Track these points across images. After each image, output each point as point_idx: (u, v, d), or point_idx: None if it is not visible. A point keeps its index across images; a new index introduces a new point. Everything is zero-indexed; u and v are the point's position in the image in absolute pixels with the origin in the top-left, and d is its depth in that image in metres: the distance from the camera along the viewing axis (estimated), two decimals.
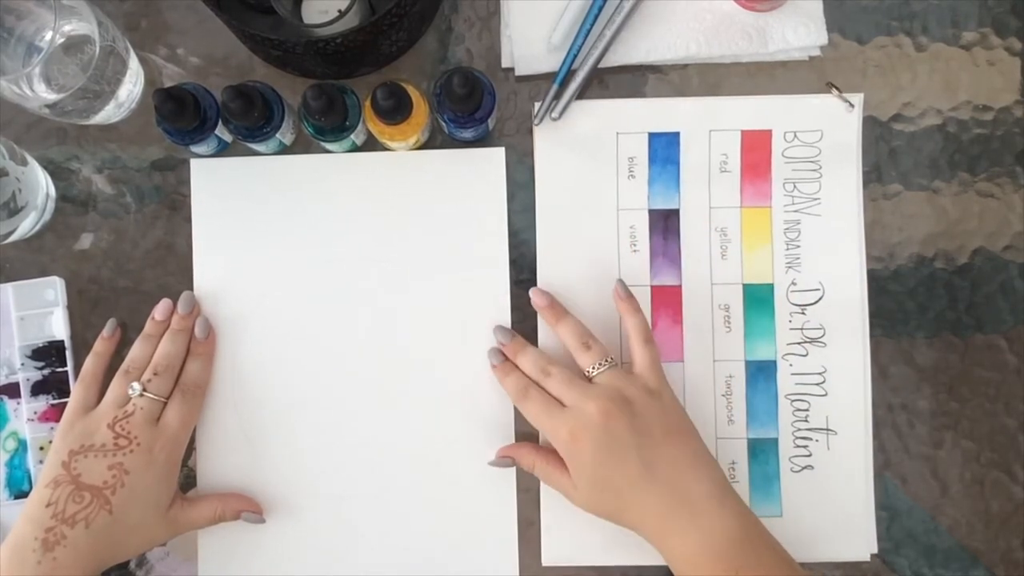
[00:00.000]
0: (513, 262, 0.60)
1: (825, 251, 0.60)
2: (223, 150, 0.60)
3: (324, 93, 0.52)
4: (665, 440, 0.52)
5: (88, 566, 0.52)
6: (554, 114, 0.59)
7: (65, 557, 0.51)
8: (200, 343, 0.58)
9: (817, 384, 0.59)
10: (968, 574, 0.58)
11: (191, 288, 0.59)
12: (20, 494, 0.59)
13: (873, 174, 0.60)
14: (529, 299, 0.58)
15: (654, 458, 0.52)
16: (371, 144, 0.60)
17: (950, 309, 0.60)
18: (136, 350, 0.57)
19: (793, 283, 0.60)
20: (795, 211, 0.60)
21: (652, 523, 0.52)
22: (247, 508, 0.57)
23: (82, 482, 0.52)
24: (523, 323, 0.59)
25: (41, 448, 0.59)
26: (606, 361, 0.55)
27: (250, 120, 0.54)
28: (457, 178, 0.60)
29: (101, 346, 0.58)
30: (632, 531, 0.53)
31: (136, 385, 0.55)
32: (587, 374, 0.55)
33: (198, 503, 0.56)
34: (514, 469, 0.58)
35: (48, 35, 0.54)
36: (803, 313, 0.59)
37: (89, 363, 0.57)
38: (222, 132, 0.57)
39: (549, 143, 0.60)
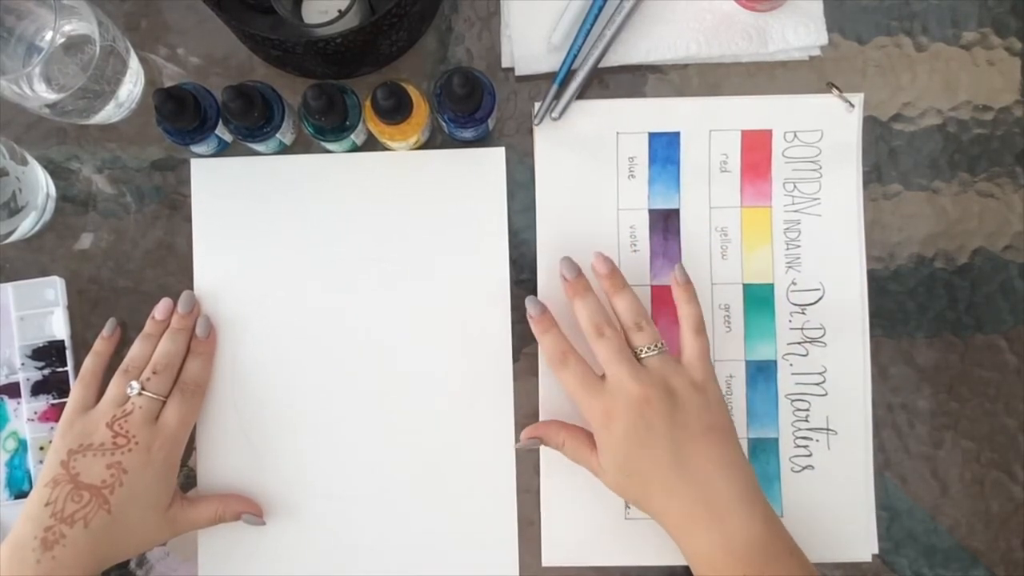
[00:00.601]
0: (513, 262, 0.60)
1: (825, 251, 0.60)
2: (223, 150, 0.60)
3: (324, 93, 0.52)
4: (702, 436, 0.51)
5: (88, 565, 0.51)
6: (554, 114, 0.59)
7: (64, 556, 0.51)
8: (201, 342, 0.58)
9: (817, 384, 0.59)
10: (968, 574, 0.58)
11: (191, 288, 0.59)
12: (20, 494, 0.59)
13: (873, 174, 0.60)
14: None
15: (688, 453, 0.51)
16: (371, 144, 0.60)
17: (950, 309, 0.60)
18: (136, 349, 0.57)
19: (793, 283, 0.60)
20: (795, 211, 0.60)
21: (676, 517, 0.51)
22: (247, 510, 0.57)
23: (81, 481, 0.52)
24: (523, 323, 0.59)
25: (41, 448, 0.59)
26: (657, 346, 0.53)
27: (250, 120, 0.54)
28: (457, 178, 0.60)
29: (101, 345, 0.58)
30: (655, 521, 0.52)
31: (135, 384, 0.55)
32: (637, 355, 0.53)
33: (198, 503, 0.56)
34: (514, 470, 0.58)
35: (48, 35, 0.54)
36: (803, 313, 0.59)
37: (89, 362, 0.57)
38: (222, 132, 0.57)
39: (549, 143, 0.60)
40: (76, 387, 0.56)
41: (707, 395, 0.52)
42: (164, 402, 0.55)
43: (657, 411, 0.51)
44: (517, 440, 0.58)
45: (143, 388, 0.55)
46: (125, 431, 0.54)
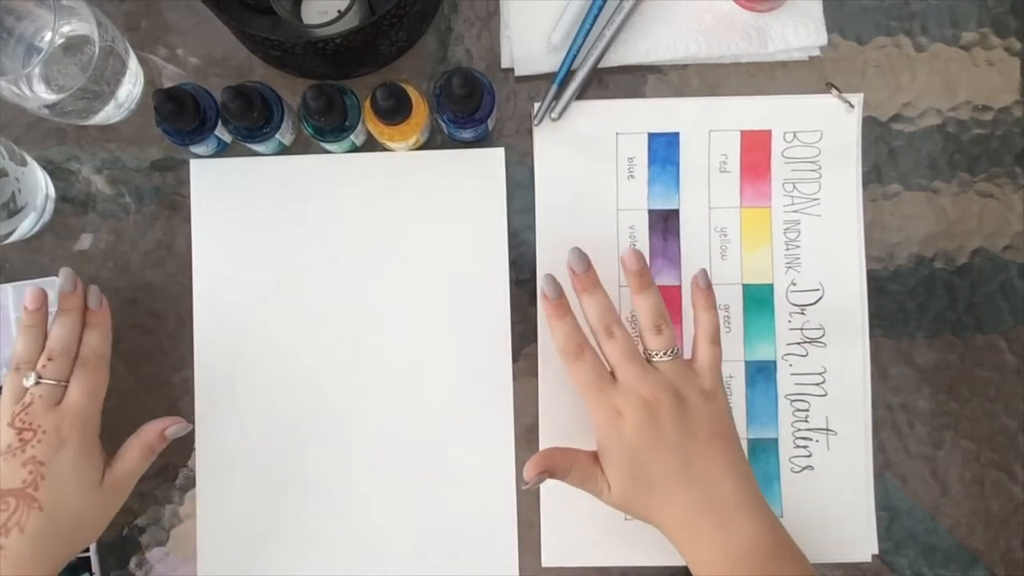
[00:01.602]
0: (513, 262, 0.60)
1: (825, 251, 0.60)
2: (223, 150, 0.60)
3: (324, 93, 0.52)
4: (708, 443, 0.51)
5: (40, 567, 0.49)
6: (554, 114, 0.59)
7: (9, 567, 0.48)
8: (95, 313, 0.55)
9: (817, 384, 0.59)
10: (968, 574, 0.58)
11: (190, 289, 0.59)
12: None
13: (873, 174, 0.60)
14: (529, 299, 0.58)
15: (695, 459, 0.50)
16: (371, 144, 0.60)
17: (950, 309, 0.60)
18: (20, 344, 0.53)
19: (793, 283, 0.60)
20: (795, 211, 0.60)
21: (681, 523, 0.50)
22: (166, 426, 0.54)
23: (1, 489, 0.50)
24: (523, 324, 0.59)
25: None
26: (672, 351, 0.52)
27: (250, 120, 0.54)
28: (457, 178, 0.60)
29: None
30: (657, 528, 0.51)
31: (31, 375, 0.52)
32: (649, 357, 0.52)
33: (123, 455, 0.53)
34: (514, 470, 0.58)
35: (48, 35, 0.54)
36: (803, 313, 0.59)
37: None
38: (222, 132, 0.57)
39: (549, 143, 0.60)
40: None
41: (715, 403, 0.52)
42: (66, 386, 0.53)
43: (668, 415, 0.50)
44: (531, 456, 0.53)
45: (40, 377, 0.52)
46: (28, 423, 0.51)
